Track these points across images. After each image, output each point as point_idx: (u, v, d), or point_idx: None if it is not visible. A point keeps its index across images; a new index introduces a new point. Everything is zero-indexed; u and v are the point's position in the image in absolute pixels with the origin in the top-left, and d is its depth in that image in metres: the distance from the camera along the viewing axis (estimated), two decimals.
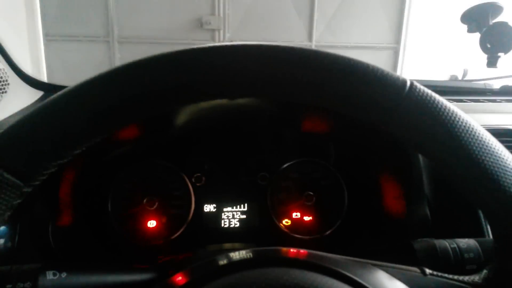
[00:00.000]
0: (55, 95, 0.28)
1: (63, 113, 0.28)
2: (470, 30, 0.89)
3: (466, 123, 0.32)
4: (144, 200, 0.66)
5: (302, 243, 0.69)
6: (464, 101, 1.00)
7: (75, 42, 3.70)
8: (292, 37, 3.86)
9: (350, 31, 3.89)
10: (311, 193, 0.69)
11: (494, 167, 0.31)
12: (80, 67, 3.70)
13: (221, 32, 3.79)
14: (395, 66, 4.01)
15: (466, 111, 0.99)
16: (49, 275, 0.39)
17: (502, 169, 0.31)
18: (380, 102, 0.32)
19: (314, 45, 3.89)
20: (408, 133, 0.33)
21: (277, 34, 3.83)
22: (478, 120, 0.80)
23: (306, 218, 0.70)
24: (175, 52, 0.30)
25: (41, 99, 0.87)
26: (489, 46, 0.84)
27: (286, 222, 0.70)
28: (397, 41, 3.96)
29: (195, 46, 0.30)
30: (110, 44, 3.76)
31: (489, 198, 0.32)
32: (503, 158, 0.32)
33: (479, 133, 0.32)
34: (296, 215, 0.70)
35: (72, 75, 3.60)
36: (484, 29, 0.84)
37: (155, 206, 0.66)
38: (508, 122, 0.75)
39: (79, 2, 3.61)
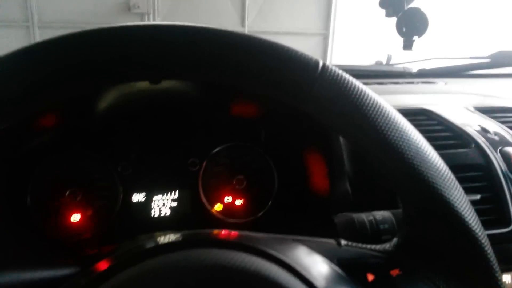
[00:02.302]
0: None
1: None
2: (387, 15, 0.94)
3: (374, 101, 0.34)
4: (67, 192, 0.63)
5: (235, 227, 0.70)
6: (385, 83, 1.06)
7: None
8: (225, 23, 3.83)
9: (281, 17, 3.94)
10: (242, 176, 0.70)
11: (398, 140, 0.33)
12: None
13: (151, 16, 3.66)
14: (325, 52, 4.15)
15: (386, 92, 1.04)
16: None
17: (406, 142, 0.33)
18: (294, 82, 0.33)
19: (247, 30, 3.89)
20: (322, 112, 0.34)
21: (209, 20, 3.79)
22: (397, 100, 0.85)
23: (238, 202, 0.70)
24: (94, 30, 0.29)
25: None
26: (404, 30, 0.90)
27: (218, 207, 0.70)
28: (326, 27, 4.09)
29: (114, 25, 0.29)
30: (30, 29, 3.49)
31: (395, 170, 0.34)
32: (407, 133, 0.34)
33: (386, 111, 0.34)
34: (228, 199, 0.70)
35: None
36: (400, 13, 0.90)
37: (78, 198, 0.63)
38: (423, 102, 0.81)
39: None
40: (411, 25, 0.88)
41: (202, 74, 0.31)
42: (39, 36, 3.49)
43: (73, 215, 0.64)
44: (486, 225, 0.59)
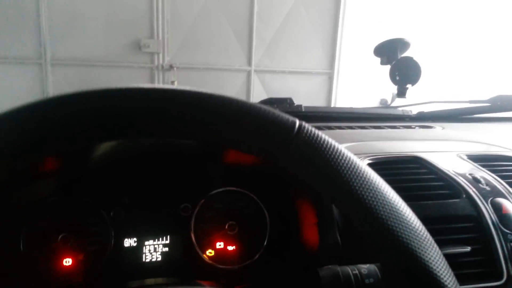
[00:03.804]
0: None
1: None
2: (382, 63, 0.97)
3: (349, 160, 0.35)
4: (59, 237, 0.63)
5: (225, 273, 0.69)
6: (382, 127, 1.08)
7: (5, 65, 3.50)
8: (232, 62, 3.93)
9: (287, 56, 4.03)
10: (234, 222, 0.70)
11: (373, 200, 0.34)
12: (10, 91, 3.50)
13: (160, 55, 3.77)
14: (330, 91, 4.20)
15: (383, 138, 1.05)
16: None
17: (380, 202, 0.34)
18: (271, 141, 0.34)
19: (253, 69, 3.99)
20: (299, 170, 0.36)
21: (217, 59, 3.89)
22: (392, 147, 0.86)
23: (230, 248, 0.70)
24: (89, 91, 0.31)
25: None
26: (398, 78, 0.92)
27: (209, 253, 0.70)
28: (331, 67, 4.17)
29: (104, 88, 0.31)
30: (43, 66, 3.60)
31: (370, 229, 0.35)
32: (381, 192, 0.35)
33: (361, 170, 0.35)
34: (219, 245, 0.70)
35: (2, 99, 3.40)
36: (393, 62, 0.92)
37: (70, 243, 0.64)
38: (418, 148, 0.81)
39: (10, 23, 3.44)
40: (404, 74, 0.91)
41: (188, 133, 0.33)
42: (51, 73, 3.59)
43: (65, 260, 0.64)
44: (477, 278, 0.59)
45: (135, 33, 3.68)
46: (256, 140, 0.34)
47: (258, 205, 0.71)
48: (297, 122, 0.35)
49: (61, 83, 3.61)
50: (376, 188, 0.35)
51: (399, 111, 1.25)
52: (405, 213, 0.35)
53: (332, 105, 4.09)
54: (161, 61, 3.78)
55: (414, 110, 1.27)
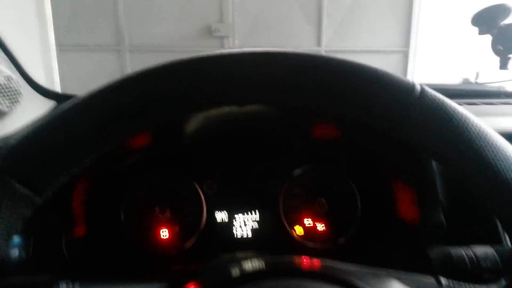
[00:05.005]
0: (64, 106, 0.29)
1: (73, 123, 0.28)
2: (481, 32, 0.88)
3: (478, 128, 0.31)
4: (156, 208, 0.66)
5: (315, 251, 0.68)
6: (477, 104, 0.99)
7: (86, 52, 3.74)
8: (301, 43, 3.86)
9: (359, 35, 3.88)
10: (324, 200, 0.69)
11: (507, 171, 0.30)
12: (92, 76, 3.74)
13: (230, 39, 3.80)
14: (405, 70, 3.98)
15: (480, 114, 0.97)
16: (62, 286, 0.39)
17: None
18: (390, 107, 0.31)
19: (323, 50, 3.89)
20: (420, 139, 0.33)
21: (286, 40, 3.84)
22: (492, 123, 0.79)
23: (319, 226, 0.69)
24: (182, 60, 0.30)
25: (52, 109, 0.88)
26: (501, 48, 0.83)
27: (298, 230, 0.69)
28: (407, 44, 3.94)
29: (201, 54, 0.30)
30: (121, 53, 3.80)
31: (505, 206, 0.31)
32: None
33: (492, 138, 0.32)
34: (308, 223, 0.69)
35: (84, 84, 3.63)
36: (495, 31, 0.83)
37: (166, 215, 0.66)
38: None
39: (90, 12, 3.66)
40: (508, 43, 0.82)
41: (300, 101, 0.31)
42: (129, 59, 3.79)
43: (161, 231, 0.67)
44: None
45: (206, 18, 3.75)
46: (372, 106, 0.32)
47: (348, 183, 0.69)
48: (418, 85, 0.32)
49: (139, 68, 3.78)
50: (511, 158, 0.31)
51: (495, 87, 1.15)
52: None
53: None
54: (231, 44, 3.82)
55: (510, 87, 1.16)
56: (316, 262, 0.33)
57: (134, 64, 3.81)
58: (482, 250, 0.43)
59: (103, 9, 3.68)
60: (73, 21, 3.64)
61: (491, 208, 0.32)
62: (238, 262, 0.34)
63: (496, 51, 0.85)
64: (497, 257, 0.42)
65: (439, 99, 0.32)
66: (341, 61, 0.31)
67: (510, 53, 0.85)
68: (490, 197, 0.32)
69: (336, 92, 0.31)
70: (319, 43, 3.90)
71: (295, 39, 3.86)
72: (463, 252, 0.43)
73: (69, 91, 0.88)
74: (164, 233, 0.67)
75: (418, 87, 0.31)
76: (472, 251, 0.43)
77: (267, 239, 0.69)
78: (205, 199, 0.67)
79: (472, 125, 0.31)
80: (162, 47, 3.74)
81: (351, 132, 0.63)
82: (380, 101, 0.31)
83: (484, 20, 0.87)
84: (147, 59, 3.79)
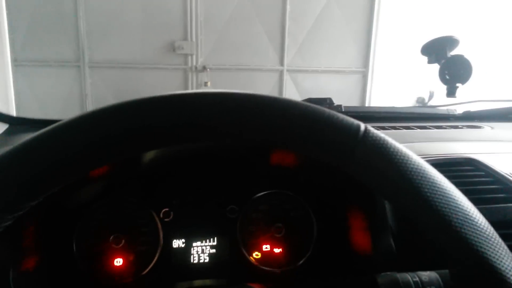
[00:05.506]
0: (23, 142, 0.29)
1: (34, 158, 0.28)
2: (430, 62, 0.93)
3: (417, 165, 0.34)
4: (111, 238, 0.65)
5: (272, 276, 0.69)
6: (428, 128, 1.04)
7: (45, 67, 3.64)
8: (264, 62, 3.93)
9: (320, 55, 3.99)
10: (280, 224, 0.70)
11: (445, 207, 0.33)
12: (50, 93, 3.63)
13: (194, 57, 3.81)
14: (364, 90, 4.13)
15: (430, 139, 1.02)
16: None
17: (453, 208, 0.33)
18: (336, 146, 0.33)
19: (286, 69, 3.97)
20: (365, 175, 0.35)
21: (250, 59, 3.89)
22: (441, 148, 0.83)
23: (276, 250, 0.70)
24: (143, 99, 0.31)
25: (5, 133, 0.85)
26: (447, 77, 0.88)
27: (256, 255, 0.69)
28: (366, 65, 4.09)
29: (170, 93, 0.31)
30: (81, 69, 3.72)
31: (442, 236, 0.33)
32: (454, 198, 0.33)
33: (430, 175, 0.34)
34: (266, 247, 0.70)
35: (42, 101, 3.53)
36: (443, 61, 0.89)
37: (121, 244, 0.65)
38: (468, 149, 0.78)
39: (49, 27, 3.57)
40: (454, 73, 0.87)
41: (248, 139, 0.33)
42: (89, 75, 3.71)
43: (116, 260, 0.65)
44: None
45: (169, 36, 3.75)
46: (320, 144, 0.34)
47: (305, 208, 0.71)
48: (362, 126, 0.34)
49: (99, 85, 3.72)
50: (448, 194, 0.33)
51: (444, 110, 1.21)
52: (478, 219, 0.34)
53: (367, 105, 4.01)
54: (194, 63, 3.83)
55: (459, 110, 1.22)
56: None
57: (93, 81, 3.73)
58: (427, 275, 0.45)
59: (63, 24, 3.61)
60: (31, 36, 3.54)
61: (432, 239, 0.34)
62: None
63: (443, 80, 0.91)
64: (440, 281, 0.44)
65: (381, 139, 0.34)
66: (293, 103, 0.33)
67: (456, 82, 0.90)
68: (429, 230, 0.34)
69: (289, 132, 0.33)
70: (281, 62, 3.98)
71: (259, 58, 3.92)
72: (410, 278, 0.45)
73: (26, 106, 0.86)
74: (119, 262, 0.65)
75: (362, 128, 0.33)
76: (418, 277, 0.45)
77: (225, 265, 0.69)
78: (161, 227, 0.67)
79: (412, 163, 0.33)
80: (124, 63, 3.70)
81: (308, 161, 0.64)
82: (327, 139, 0.33)
83: (433, 51, 0.92)
84: (108, 75, 3.73)
